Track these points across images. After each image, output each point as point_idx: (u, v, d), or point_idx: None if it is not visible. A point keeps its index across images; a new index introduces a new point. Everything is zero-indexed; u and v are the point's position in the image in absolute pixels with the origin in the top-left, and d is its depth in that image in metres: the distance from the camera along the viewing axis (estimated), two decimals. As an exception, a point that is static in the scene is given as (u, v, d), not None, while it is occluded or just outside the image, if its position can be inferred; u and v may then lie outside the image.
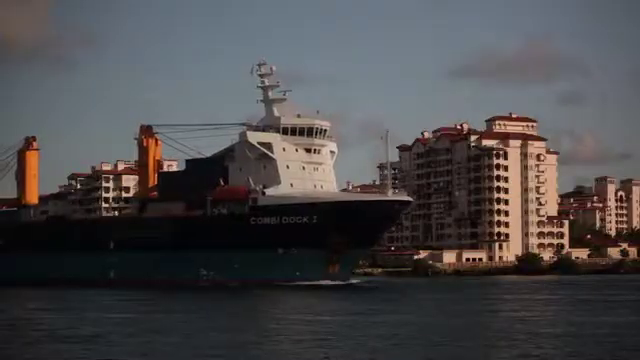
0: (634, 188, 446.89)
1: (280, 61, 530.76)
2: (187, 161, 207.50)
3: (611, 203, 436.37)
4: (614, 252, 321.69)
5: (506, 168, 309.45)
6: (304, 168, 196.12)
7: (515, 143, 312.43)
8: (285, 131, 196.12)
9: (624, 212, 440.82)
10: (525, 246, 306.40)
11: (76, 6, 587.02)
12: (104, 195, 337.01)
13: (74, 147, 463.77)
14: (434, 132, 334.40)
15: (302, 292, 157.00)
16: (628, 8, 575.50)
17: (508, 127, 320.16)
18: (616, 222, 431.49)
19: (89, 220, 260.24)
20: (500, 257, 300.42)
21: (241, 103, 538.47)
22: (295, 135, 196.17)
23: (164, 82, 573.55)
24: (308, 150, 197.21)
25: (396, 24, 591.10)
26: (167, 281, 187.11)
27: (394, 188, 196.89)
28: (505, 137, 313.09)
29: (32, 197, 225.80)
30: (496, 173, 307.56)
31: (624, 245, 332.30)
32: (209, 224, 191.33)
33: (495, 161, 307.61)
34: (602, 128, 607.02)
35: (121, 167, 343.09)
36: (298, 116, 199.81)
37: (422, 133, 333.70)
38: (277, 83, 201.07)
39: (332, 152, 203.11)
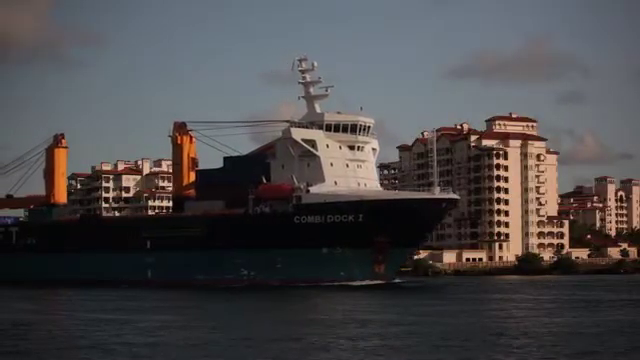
0: (634, 188, 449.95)
1: (280, 61, 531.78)
2: (225, 159, 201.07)
3: (611, 203, 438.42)
4: (614, 252, 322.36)
5: (506, 168, 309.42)
6: (348, 165, 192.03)
7: (515, 143, 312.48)
8: (328, 128, 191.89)
9: (624, 212, 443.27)
10: (525, 246, 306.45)
11: (76, 6, 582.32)
12: (104, 195, 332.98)
13: (74, 147, 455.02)
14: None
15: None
16: (628, 8, 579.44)
17: (508, 127, 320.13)
18: (616, 222, 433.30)
19: (124, 219, 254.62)
20: (500, 257, 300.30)
21: (242, 103, 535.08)
22: (339, 132, 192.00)
23: (164, 82, 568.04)
24: (352, 147, 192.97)
25: (396, 24, 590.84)
26: (206, 281, 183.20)
27: (439, 186, 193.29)
28: (505, 137, 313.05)
29: (61, 196, 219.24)
30: (496, 173, 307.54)
31: (624, 245, 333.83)
32: (251, 223, 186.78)
33: (495, 161, 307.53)
34: (602, 128, 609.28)
35: (121, 167, 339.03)
36: (338, 113, 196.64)
37: (422, 133, 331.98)
38: (319, 79, 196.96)
39: (374, 149, 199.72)
